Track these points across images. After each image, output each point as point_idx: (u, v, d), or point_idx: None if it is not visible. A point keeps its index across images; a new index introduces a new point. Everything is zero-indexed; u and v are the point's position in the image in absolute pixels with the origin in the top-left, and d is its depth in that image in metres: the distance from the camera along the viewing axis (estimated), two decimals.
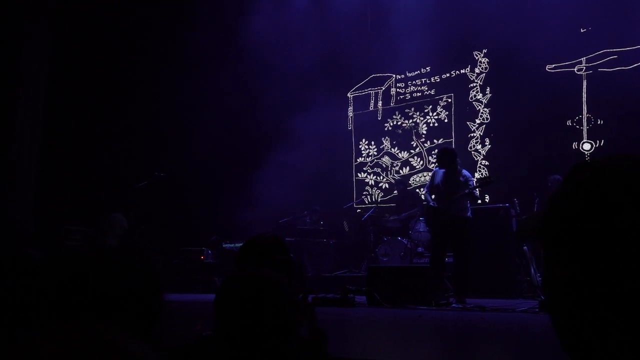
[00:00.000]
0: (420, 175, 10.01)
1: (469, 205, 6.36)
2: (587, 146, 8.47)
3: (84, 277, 0.93)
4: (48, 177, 9.81)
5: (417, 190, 9.72)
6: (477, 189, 6.36)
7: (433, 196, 6.38)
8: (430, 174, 7.90)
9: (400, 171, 10.30)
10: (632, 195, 0.56)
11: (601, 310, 0.56)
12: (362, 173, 10.74)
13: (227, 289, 1.30)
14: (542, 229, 0.64)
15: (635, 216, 0.55)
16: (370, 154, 10.70)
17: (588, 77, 8.54)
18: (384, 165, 10.51)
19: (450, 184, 6.20)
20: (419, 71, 10.26)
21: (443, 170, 6.39)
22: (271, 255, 2.35)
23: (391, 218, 8.82)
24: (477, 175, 9.01)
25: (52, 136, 9.88)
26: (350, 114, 10.96)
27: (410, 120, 10.30)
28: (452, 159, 6.26)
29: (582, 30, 8.52)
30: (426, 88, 10.17)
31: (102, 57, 10.46)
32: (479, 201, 8.35)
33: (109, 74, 10.55)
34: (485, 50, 9.52)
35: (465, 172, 6.43)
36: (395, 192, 9.73)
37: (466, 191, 6.06)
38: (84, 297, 0.91)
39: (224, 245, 9.18)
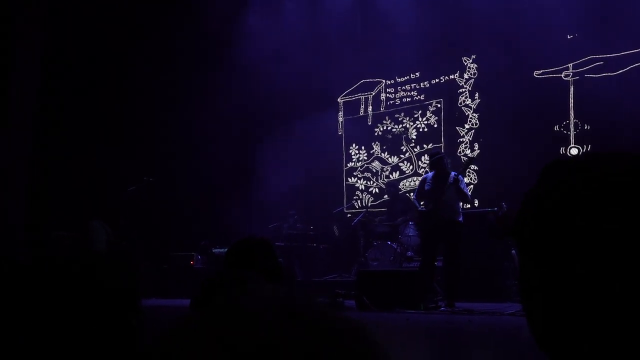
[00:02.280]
0: (410, 180, 10.06)
1: (460, 209, 6.41)
2: (574, 151, 8.57)
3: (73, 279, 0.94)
4: (38, 183, 9.74)
5: (408, 194, 9.76)
6: (465, 173, 6.42)
7: (422, 202, 6.43)
8: (419, 178, 7.95)
9: (390, 176, 10.35)
10: (607, 193, 0.56)
11: (576, 309, 0.55)
12: (353, 178, 10.77)
13: (204, 293, 1.29)
14: (516, 227, 0.64)
15: (611, 214, 0.55)
16: (360, 158, 10.74)
17: (575, 83, 8.64)
18: (374, 170, 10.55)
19: (440, 187, 6.25)
20: (408, 76, 10.33)
21: (431, 175, 6.46)
22: (259, 259, 2.34)
23: (385, 223, 8.82)
24: (466, 180, 9.07)
25: (43, 141, 9.81)
26: (341, 119, 11.00)
27: (400, 126, 10.36)
28: (442, 162, 6.32)
29: (569, 37, 8.63)
30: (416, 93, 10.24)
31: (94, 62, 10.43)
32: (469, 205, 8.40)
33: (100, 80, 10.52)
34: (474, 56, 9.61)
35: (454, 173, 6.49)
36: (386, 196, 9.77)
37: (456, 178, 6.14)
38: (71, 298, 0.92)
39: (213, 250, 9.16)
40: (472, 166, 9.45)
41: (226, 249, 7.45)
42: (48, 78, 9.59)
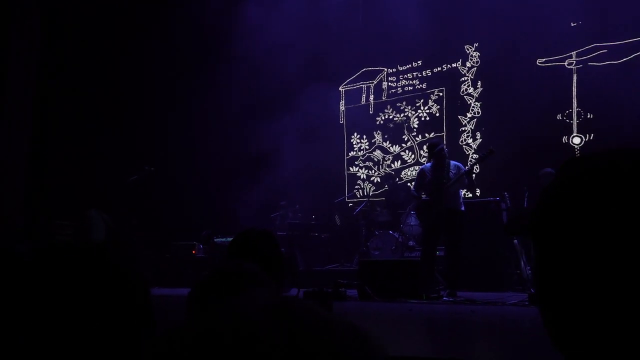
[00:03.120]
0: (412, 169, 10.03)
1: (462, 199, 6.41)
2: (577, 140, 8.53)
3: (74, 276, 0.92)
4: (38, 171, 9.73)
5: (409, 184, 9.74)
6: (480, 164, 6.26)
7: (423, 194, 6.41)
8: (418, 167, 7.91)
9: (392, 165, 10.32)
10: (627, 191, 0.56)
11: (594, 308, 0.55)
12: (354, 167, 10.74)
13: (202, 285, 1.27)
14: (534, 223, 0.64)
15: (630, 211, 0.54)
16: (362, 147, 10.70)
17: (578, 71, 8.57)
18: (375, 159, 10.52)
19: (440, 177, 6.22)
20: (410, 65, 10.26)
21: (429, 166, 6.43)
22: (262, 250, 2.34)
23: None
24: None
25: (42, 130, 9.79)
26: (342, 107, 10.95)
27: (402, 114, 10.31)
28: (439, 150, 6.29)
29: (572, 25, 8.55)
30: (417, 82, 10.18)
31: (93, 51, 10.37)
32: (471, 194, 8.38)
33: (99, 69, 10.46)
34: (476, 44, 9.54)
35: (454, 162, 6.47)
36: (386, 186, 9.75)
37: (467, 169, 6.12)
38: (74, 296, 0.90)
39: (215, 240, 9.16)
40: (475, 155, 9.42)
41: (227, 238, 7.47)
42: (47, 68, 9.54)
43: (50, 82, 9.77)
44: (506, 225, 5.28)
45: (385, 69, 10.53)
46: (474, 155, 9.42)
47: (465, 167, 6.65)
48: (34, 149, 9.61)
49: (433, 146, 6.44)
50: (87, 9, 9.99)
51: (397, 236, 8.27)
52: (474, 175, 6.44)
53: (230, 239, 8.38)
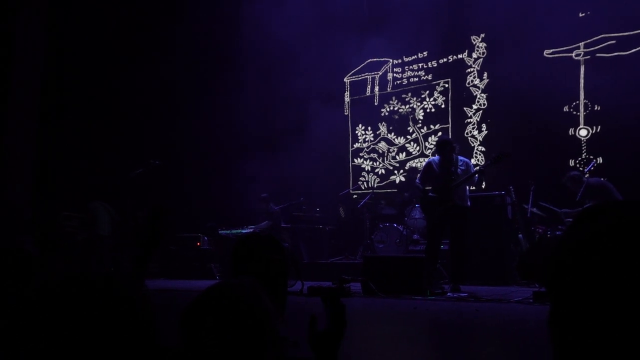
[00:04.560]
0: (417, 161, 9.99)
1: (468, 194, 6.39)
2: (583, 132, 8.45)
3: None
4: (45, 164, 9.76)
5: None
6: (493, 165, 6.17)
7: (428, 187, 6.38)
8: (424, 160, 7.87)
9: (397, 157, 10.28)
10: (633, 243, 0.55)
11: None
12: (359, 159, 10.71)
13: (196, 307, 1.24)
14: (554, 277, 0.63)
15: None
16: (366, 139, 10.66)
17: (586, 62, 8.47)
18: (380, 151, 10.47)
19: (449, 173, 6.19)
20: (415, 56, 10.16)
21: (437, 159, 6.39)
22: (266, 254, 2.33)
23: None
24: (473, 161, 9.00)
25: (49, 123, 9.81)
26: (347, 99, 10.89)
27: (407, 106, 10.24)
28: (451, 149, 6.26)
29: (580, 15, 8.43)
30: (423, 73, 10.09)
31: (98, 46, 10.34)
32: (474, 188, 8.34)
33: (104, 63, 10.45)
34: (482, 35, 9.43)
35: (461, 158, 6.44)
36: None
37: (480, 168, 6.11)
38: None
39: (220, 232, 9.19)
40: (481, 147, 9.37)
41: (232, 230, 7.44)
42: (54, 63, 9.52)
43: (56, 76, 9.76)
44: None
45: (391, 60, 10.44)
46: (480, 147, 9.37)
47: (469, 160, 6.62)
48: (42, 142, 9.63)
49: (444, 143, 6.36)
50: (93, 5, 9.95)
51: (401, 229, 8.27)
52: (485, 173, 6.42)
53: (235, 232, 8.40)
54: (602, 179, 7.09)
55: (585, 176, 7.21)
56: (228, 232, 9.11)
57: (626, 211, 0.61)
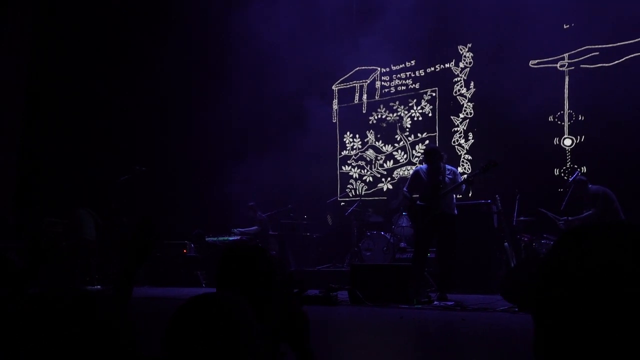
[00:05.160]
0: (404, 169, 10.04)
1: (455, 202, 6.43)
2: (568, 142, 8.57)
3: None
4: (29, 169, 9.64)
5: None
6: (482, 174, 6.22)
7: (415, 196, 6.41)
8: (412, 168, 7.89)
9: (384, 164, 10.32)
10: (614, 265, 0.56)
11: None
12: (347, 166, 10.74)
13: (179, 319, 1.23)
14: (538, 300, 0.64)
15: (622, 284, 0.55)
16: (354, 147, 10.69)
17: (570, 73, 8.60)
18: (368, 159, 10.51)
19: (437, 182, 6.22)
20: (403, 64, 10.24)
21: (425, 168, 6.43)
22: (253, 267, 2.32)
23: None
24: (459, 169, 9.06)
25: (33, 129, 9.70)
26: (335, 106, 10.92)
27: (395, 114, 10.30)
28: (439, 157, 6.30)
29: (565, 27, 8.57)
30: (411, 82, 10.17)
31: (85, 51, 10.27)
32: (460, 196, 8.40)
33: (90, 68, 10.37)
34: (469, 45, 9.53)
35: (449, 166, 6.48)
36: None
37: (469, 178, 6.13)
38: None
39: (206, 239, 9.14)
40: (467, 156, 9.45)
41: (219, 237, 7.39)
42: (39, 68, 9.44)
43: (41, 82, 9.67)
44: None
45: (379, 69, 10.51)
46: (467, 156, 9.45)
47: (456, 169, 6.66)
48: (26, 147, 9.52)
49: (433, 152, 6.40)
50: (83, 5, 9.89)
51: (388, 237, 8.29)
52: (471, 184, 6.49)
53: (221, 239, 8.36)
54: (602, 187, 7.03)
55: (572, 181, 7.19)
56: (215, 239, 9.07)
57: (610, 234, 0.62)
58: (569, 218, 6.84)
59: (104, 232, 8.72)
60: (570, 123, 8.56)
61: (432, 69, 9.93)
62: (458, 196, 6.89)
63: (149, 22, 10.61)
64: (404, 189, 6.67)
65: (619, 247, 0.59)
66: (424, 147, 9.52)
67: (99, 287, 8.02)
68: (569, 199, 6.82)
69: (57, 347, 0.91)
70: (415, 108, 10.09)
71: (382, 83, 10.48)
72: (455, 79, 9.66)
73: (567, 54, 8.62)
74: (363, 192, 10.39)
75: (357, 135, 10.66)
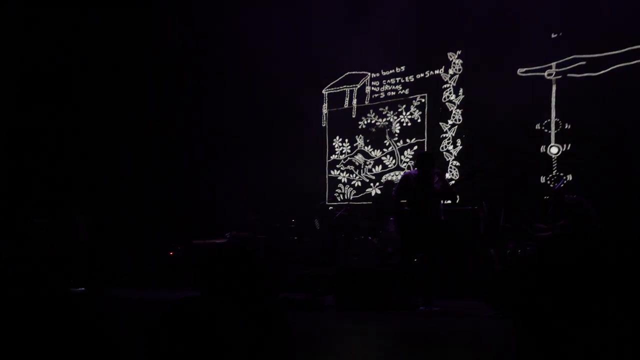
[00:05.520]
0: (392, 174, 10.07)
1: (442, 207, 6.46)
2: (554, 150, 8.65)
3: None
4: (17, 169, 9.53)
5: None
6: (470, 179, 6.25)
7: (404, 201, 6.43)
8: (400, 173, 7.91)
9: (373, 169, 10.35)
10: (601, 269, 0.58)
11: None
12: (335, 170, 10.75)
13: (161, 325, 1.23)
14: (521, 306, 0.65)
15: (607, 288, 0.57)
16: (343, 151, 10.71)
17: (557, 82, 8.69)
18: (357, 163, 10.53)
19: (427, 188, 6.25)
20: (393, 70, 10.29)
21: (415, 173, 6.45)
22: (238, 269, 2.32)
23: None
24: (447, 175, 9.11)
25: (21, 126, 9.59)
26: (325, 111, 10.94)
27: (384, 119, 10.34)
28: (432, 163, 6.34)
29: (553, 36, 8.66)
30: (400, 87, 10.21)
31: (73, 50, 10.19)
32: (450, 201, 8.44)
33: (78, 67, 10.29)
34: (459, 52, 9.60)
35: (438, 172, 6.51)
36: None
37: (460, 179, 6.15)
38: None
39: (193, 242, 9.09)
40: (455, 162, 9.50)
41: (206, 240, 7.36)
42: (26, 65, 9.34)
43: (28, 79, 9.57)
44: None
45: (369, 74, 10.54)
46: (455, 162, 9.50)
47: (445, 175, 6.72)
48: (13, 146, 9.42)
49: (426, 157, 6.43)
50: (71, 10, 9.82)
51: (376, 242, 8.30)
52: (458, 186, 6.53)
53: (209, 241, 8.32)
54: (579, 197, 7.08)
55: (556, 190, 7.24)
56: (202, 241, 9.02)
57: (590, 244, 0.63)
58: (543, 226, 6.91)
59: (94, 233, 8.65)
60: (557, 131, 8.65)
61: (422, 75, 9.98)
62: (446, 201, 6.93)
63: (137, 20, 10.55)
64: (393, 193, 6.69)
65: (592, 254, 0.60)
66: (417, 152, 9.60)
67: (82, 289, 7.94)
68: (552, 207, 6.89)
69: (41, 347, 0.90)
70: (404, 114, 10.13)
71: (372, 88, 10.52)
72: (445, 86, 9.72)
73: (554, 63, 8.71)
74: (351, 197, 10.40)
75: (347, 140, 10.68)
